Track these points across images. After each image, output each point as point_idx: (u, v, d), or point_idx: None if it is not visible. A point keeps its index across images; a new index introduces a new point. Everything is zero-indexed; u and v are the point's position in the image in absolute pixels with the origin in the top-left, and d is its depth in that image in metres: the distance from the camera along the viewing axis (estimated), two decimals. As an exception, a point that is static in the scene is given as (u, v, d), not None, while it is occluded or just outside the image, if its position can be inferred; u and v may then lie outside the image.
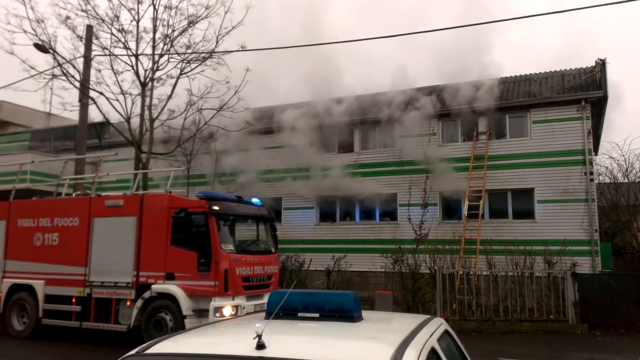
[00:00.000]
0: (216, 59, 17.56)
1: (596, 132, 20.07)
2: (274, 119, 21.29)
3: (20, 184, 15.06)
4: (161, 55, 17.57)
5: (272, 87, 25.57)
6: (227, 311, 10.74)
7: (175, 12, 17.42)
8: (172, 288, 11.05)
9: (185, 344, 2.81)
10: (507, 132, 19.06)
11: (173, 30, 17.48)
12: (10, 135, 28.64)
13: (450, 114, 19.39)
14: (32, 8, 18.01)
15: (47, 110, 24.25)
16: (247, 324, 3.37)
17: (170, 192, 12.29)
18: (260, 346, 2.35)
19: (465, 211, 18.00)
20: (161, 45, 17.59)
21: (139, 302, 11.33)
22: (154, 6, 17.27)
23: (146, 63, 17.80)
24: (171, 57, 17.64)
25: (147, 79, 17.43)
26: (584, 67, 19.43)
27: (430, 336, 2.95)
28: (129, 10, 17.32)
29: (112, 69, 17.31)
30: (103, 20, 17.21)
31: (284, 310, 2.99)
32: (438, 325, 3.39)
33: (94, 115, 21.07)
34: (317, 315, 3.09)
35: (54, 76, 17.10)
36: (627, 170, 24.07)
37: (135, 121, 17.73)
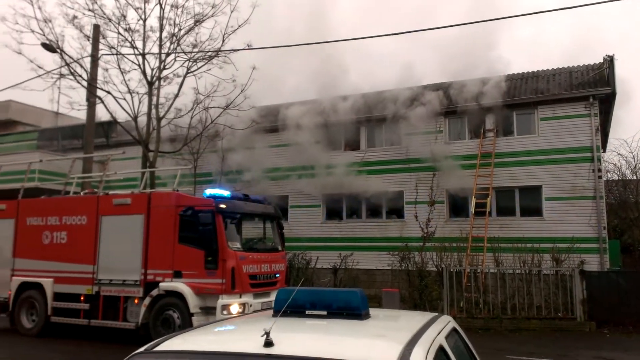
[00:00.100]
0: (222, 57, 17.60)
1: (604, 129, 19.94)
2: (280, 117, 21.31)
3: (29, 183, 15.15)
4: (168, 54, 17.62)
5: (278, 85, 25.61)
6: (235, 309, 10.77)
7: (182, 11, 17.48)
8: (180, 286, 11.09)
9: (194, 342, 2.82)
10: (515, 129, 18.97)
11: (180, 29, 17.55)
12: (18, 134, 28.84)
13: (457, 111, 19.32)
14: (39, 8, 18.14)
15: (54, 109, 24.46)
16: (254, 322, 3.37)
17: (177, 190, 12.32)
18: (269, 343, 2.36)
19: (472, 209, 17.95)
20: (168, 44, 17.68)
21: (147, 300, 11.39)
22: (161, 5, 17.34)
23: (153, 62, 17.97)
24: (178, 56, 17.70)
25: (154, 78, 17.49)
26: (592, 63, 19.31)
27: (438, 334, 2.94)
28: (136, 9, 17.40)
29: (119, 68, 17.41)
30: (110, 20, 17.30)
31: (291, 308, 3.00)
32: (446, 323, 3.38)
33: (102, 114, 21.18)
34: (324, 313, 3.09)
35: (62, 75, 17.21)
36: (635, 167, 23.98)
37: (142, 120, 17.81)
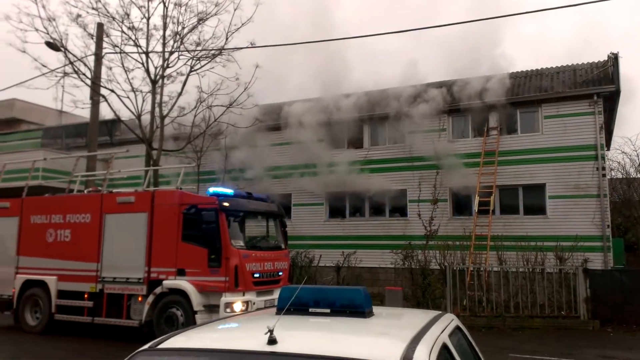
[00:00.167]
0: (226, 55, 17.64)
1: (608, 127, 19.87)
2: (283, 115, 21.31)
3: (33, 181, 15.21)
4: (171, 53, 17.65)
5: (281, 83, 25.65)
6: (238, 307, 10.80)
7: (185, 10, 17.54)
8: (183, 284, 11.13)
9: (197, 339, 2.83)
10: (518, 127, 18.92)
11: (183, 28, 17.59)
12: (22, 132, 28.88)
13: (460, 109, 19.28)
14: (43, 6, 18.13)
15: (58, 107, 24.52)
16: (258, 320, 3.38)
17: (180, 188, 12.35)
18: (272, 341, 2.36)
19: (475, 207, 17.92)
20: (171, 42, 17.72)
21: (151, 298, 11.43)
22: (164, 3, 17.38)
23: (156, 60, 17.97)
24: (181, 55, 17.74)
25: (158, 77, 17.52)
26: (597, 61, 19.24)
27: (442, 332, 2.94)
28: (139, 7, 17.45)
29: (123, 66, 17.47)
30: (114, 18, 17.35)
31: (295, 306, 3.00)
32: (449, 321, 3.38)
33: (105, 113, 21.28)
34: (328, 310, 3.09)
35: (66, 74, 17.28)
36: (639, 165, 23.84)
37: (145, 118, 17.85)
